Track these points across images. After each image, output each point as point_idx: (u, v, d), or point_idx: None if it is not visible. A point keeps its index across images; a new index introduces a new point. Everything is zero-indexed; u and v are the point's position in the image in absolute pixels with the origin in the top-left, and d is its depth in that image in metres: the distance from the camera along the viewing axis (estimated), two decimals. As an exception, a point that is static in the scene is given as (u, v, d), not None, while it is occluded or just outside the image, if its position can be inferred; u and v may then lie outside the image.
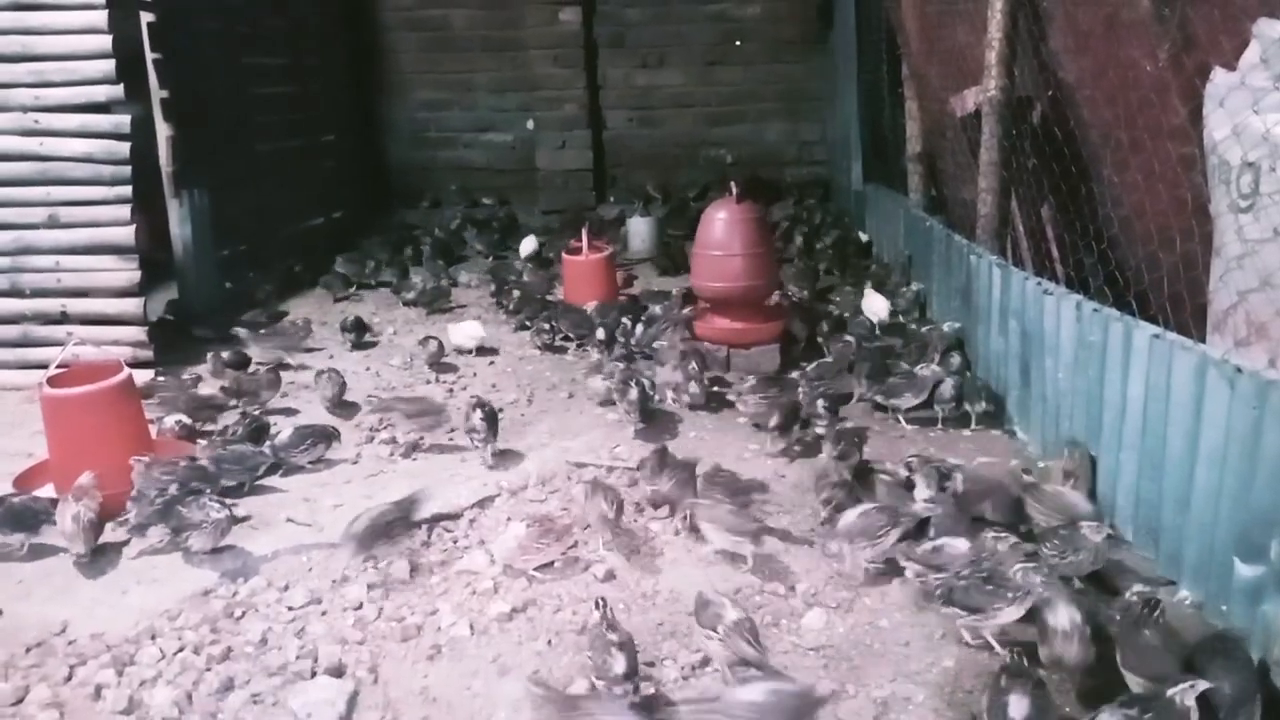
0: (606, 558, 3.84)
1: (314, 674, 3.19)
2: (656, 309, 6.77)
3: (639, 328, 6.43)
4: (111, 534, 4.06)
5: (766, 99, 11.31)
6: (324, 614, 3.53)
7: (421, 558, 3.92)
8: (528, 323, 7.03)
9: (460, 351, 6.59)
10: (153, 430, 4.80)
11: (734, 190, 6.39)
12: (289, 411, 5.51)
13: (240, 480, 4.49)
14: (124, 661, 3.26)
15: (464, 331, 6.69)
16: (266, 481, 4.63)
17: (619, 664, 2.91)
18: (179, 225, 7.22)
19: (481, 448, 4.75)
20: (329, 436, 4.82)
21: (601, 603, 3.19)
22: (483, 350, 6.66)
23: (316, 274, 8.62)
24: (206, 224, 7.42)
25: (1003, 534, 3.60)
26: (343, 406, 5.52)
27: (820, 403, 5.06)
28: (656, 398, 5.31)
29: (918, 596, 3.47)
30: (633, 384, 5.10)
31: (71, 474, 4.19)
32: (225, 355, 6.11)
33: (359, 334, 6.88)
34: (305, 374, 6.08)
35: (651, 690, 3.03)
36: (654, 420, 5.22)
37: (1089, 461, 3.97)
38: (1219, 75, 3.57)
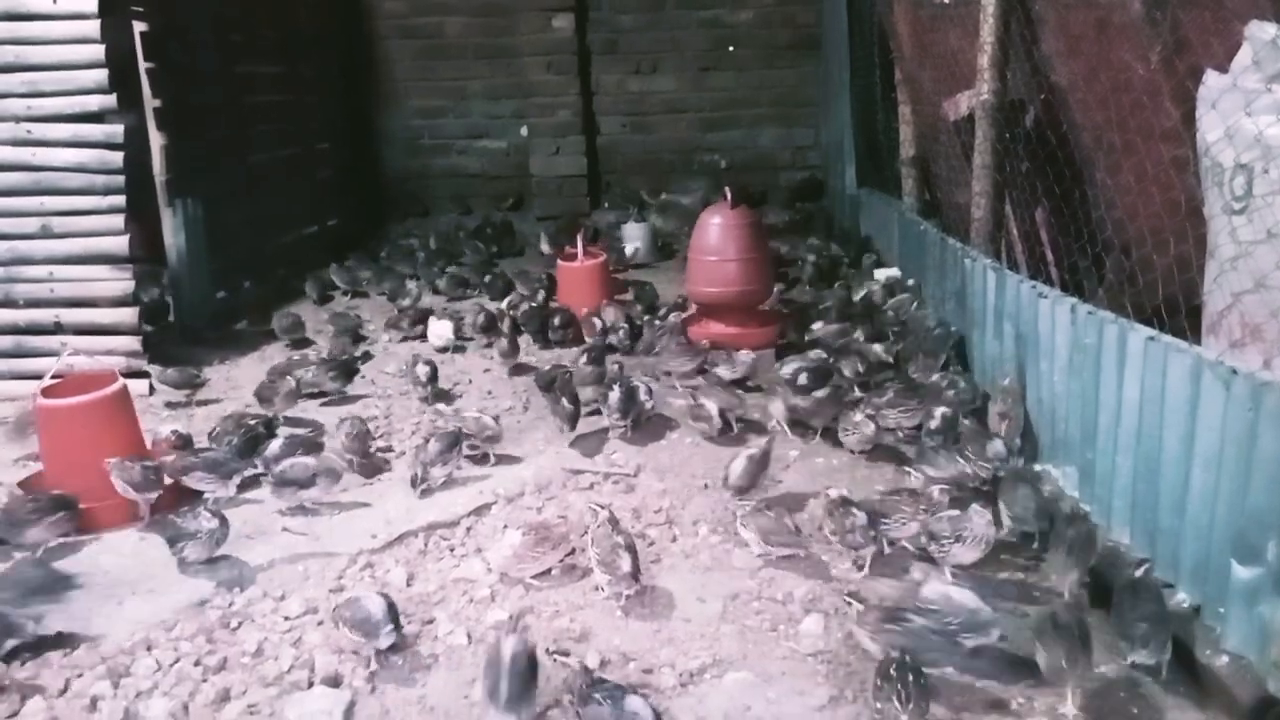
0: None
1: (311, 684, 3.18)
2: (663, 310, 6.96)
3: (658, 321, 6.50)
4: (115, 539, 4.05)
5: (760, 104, 11.33)
6: (320, 623, 3.51)
7: (418, 566, 3.91)
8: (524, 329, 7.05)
9: (437, 350, 6.76)
10: (147, 439, 4.78)
11: (728, 195, 6.40)
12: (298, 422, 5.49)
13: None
14: (120, 673, 3.25)
15: (435, 330, 6.87)
16: (260, 492, 4.62)
17: (625, 563, 3.46)
18: (173, 235, 7.20)
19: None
20: (319, 445, 4.81)
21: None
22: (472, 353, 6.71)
23: (313, 283, 8.60)
24: (200, 233, 7.40)
25: None
26: (366, 457, 4.90)
27: (802, 376, 5.23)
28: (650, 404, 5.28)
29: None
30: (615, 387, 5.10)
31: (66, 484, 4.20)
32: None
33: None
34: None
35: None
36: (644, 425, 5.21)
37: (1020, 403, 4.45)
38: (1211, 78, 3.58)
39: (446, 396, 5.89)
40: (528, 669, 2.89)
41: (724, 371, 5.69)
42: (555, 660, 2.91)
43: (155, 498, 4.31)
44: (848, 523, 3.72)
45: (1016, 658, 3.16)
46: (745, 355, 5.74)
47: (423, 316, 7.28)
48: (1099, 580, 3.44)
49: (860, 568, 3.75)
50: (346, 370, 5.98)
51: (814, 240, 9.27)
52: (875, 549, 3.74)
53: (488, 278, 8.51)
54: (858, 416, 4.69)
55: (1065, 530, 3.54)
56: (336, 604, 3.43)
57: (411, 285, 8.26)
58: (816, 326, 6.27)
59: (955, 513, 3.60)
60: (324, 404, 5.80)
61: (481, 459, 4.85)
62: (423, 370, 5.78)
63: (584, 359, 5.88)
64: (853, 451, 4.75)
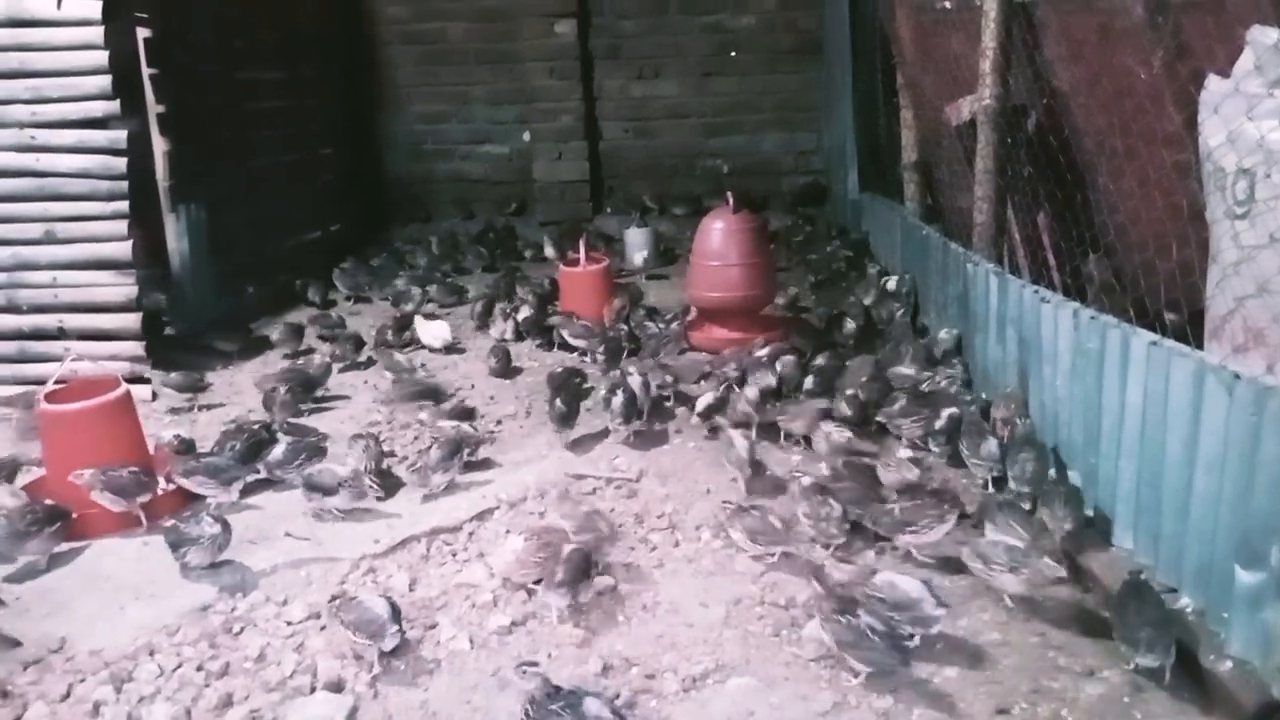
0: (605, 571, 3.83)
1: (313, 689, 3.18)
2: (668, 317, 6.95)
3: (659, 327, 6.56)
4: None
5: (763, 109, 11.33)
6: (323, 629, 3.51)
7: (421, 571, 3.91)
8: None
9: (430, 350, 6.87)
10: (150, 444, 4.79)
11: (730, 200, 6.41)
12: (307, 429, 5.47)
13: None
14: (122, 678, 3.26)
15: (431, 331, 6.92)
16: (262, 497, 4.62)
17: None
18: (176, 240, 7.22)
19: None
20: (322, 451, 4.81)
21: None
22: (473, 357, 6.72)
23: (316, 287, 8.59)
24: (203, 238, 7.41)
25: None
26: (382, 475, 4.71)
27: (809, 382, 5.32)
28: (647, 402, 5.26)
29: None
30: (619, 391, 5.09)
31: (69, 489, 4.20)
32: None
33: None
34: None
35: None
36: (645, 421, 5.20)
37: (1023, 408, 4.49)
38: (1213, 82, 3.58)
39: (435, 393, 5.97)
40: (581, 564, 3.54)
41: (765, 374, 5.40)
42: (524, 673, 2.89)
43: (148, 499, 4.30)
44: (823, 511, 3.80)
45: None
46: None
47: (406, 323, 7.25)
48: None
49: (849, 567, 3.75)
50: (307, 383, 5.94)
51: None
52: (846, 540, 3.86)
53: (491, 281, 8.52)
54: (902, 453, 4.39)
55: (1053, 490, 3.80)
56: (338, 606, 3.44)
57: (415, 290, 8.26)
58: (758, 343, 5.89)
59: (1018, 545, 3.52)
60: (328, 410, 5.81)
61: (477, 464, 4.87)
62: (404, 359, 6.25)
63: (600, 353, 6.03)
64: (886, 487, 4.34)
